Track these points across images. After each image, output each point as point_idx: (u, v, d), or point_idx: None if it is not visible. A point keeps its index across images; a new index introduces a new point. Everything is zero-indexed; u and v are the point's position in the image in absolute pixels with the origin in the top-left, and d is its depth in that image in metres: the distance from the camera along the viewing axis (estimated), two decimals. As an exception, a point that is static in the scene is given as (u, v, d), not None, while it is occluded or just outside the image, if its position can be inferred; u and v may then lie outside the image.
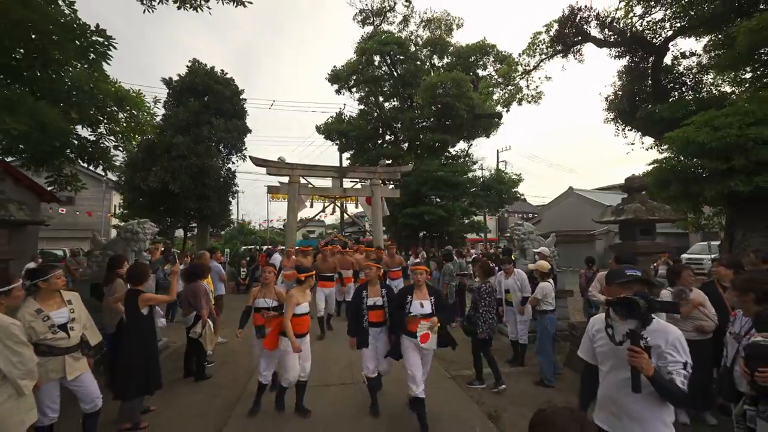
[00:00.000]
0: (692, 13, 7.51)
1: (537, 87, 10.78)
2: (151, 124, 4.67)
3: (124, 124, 4.71)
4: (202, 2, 5.65)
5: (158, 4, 5.72)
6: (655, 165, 7.58)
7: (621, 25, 8.68)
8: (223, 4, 5.76)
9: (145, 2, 5.53)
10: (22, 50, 2.98)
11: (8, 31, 2.82)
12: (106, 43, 3.34)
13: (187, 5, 5.63)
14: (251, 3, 5.72)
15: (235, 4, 5.78)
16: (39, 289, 2.98)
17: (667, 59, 9.03)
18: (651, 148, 9.84)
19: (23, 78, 3.06)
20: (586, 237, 15.30)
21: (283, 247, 13.12)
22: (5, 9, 2.70)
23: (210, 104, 15.56)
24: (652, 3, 7.89)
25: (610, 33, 8.74)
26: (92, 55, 3.34)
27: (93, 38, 3.28)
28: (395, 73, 19.59)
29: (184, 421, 4.05)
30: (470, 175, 19.33)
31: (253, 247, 24.00)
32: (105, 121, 4.72)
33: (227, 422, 3.93)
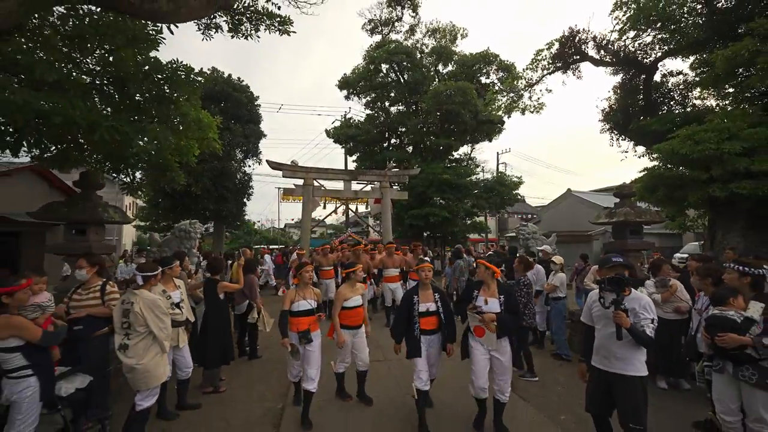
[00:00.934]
0: (678, 37, 8.45)
1: (539, 99, 11.68)
2: (218, 141, 5.51)
3: (184, 141, 5.52)
4: (253, 32, 6.53)
5: (215, 33, 6.62)
6: (646, 172, 8.47)
7: (615, 46, 9.64)
8: (269, 33, 6.62)
9: (204, 33, 6.43)
10: (146, 93, 3.85)
11: (139, 79, 3.69)
12: (201, 80, 4.19)
13: (240, 35, 6.50)
14: (295, 32, 6.57)
15: (280, 33, 6.62)
16: (165, 274, 3.83)
17: (657, 77, 10.03)
18: (643, 155, 10.80)
19: (146, 112, 3.92)
20: (584, 237, 16.24)
21: (300, 247, 13.83)
22: (139, 65, 3.57)
23: (228, 110, 16.37)
24: (643, 27, 8.83)
25: (605, 54, 9.70)
26: (191, 90, 4.20)
27: (193, 77, 4.14)
28: (401, 80, 20.47)
29: (252, 387, 4.89)
30: (473, 177, 20.20)
31: (261, 246, 24.89)
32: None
33: (289, 387, 4.74)
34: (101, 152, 4.13)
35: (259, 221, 43.92)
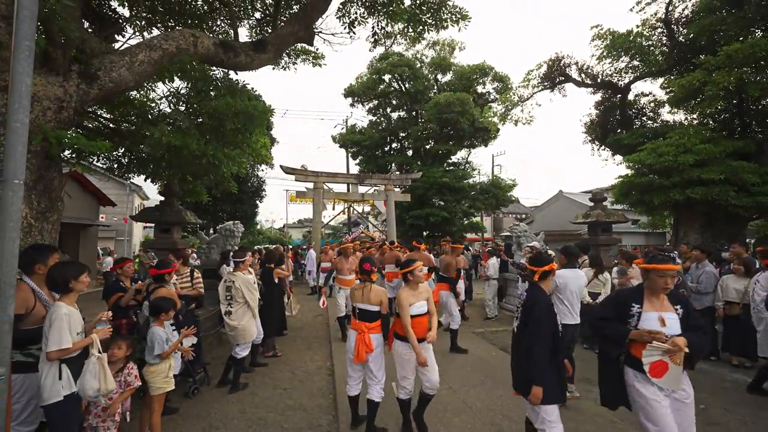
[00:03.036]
0: (646, 64, 9.86)
1: (530, 112, 13.07)
2: (270, 155, 6.79)
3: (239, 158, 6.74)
4: (291, 65, 7.82)
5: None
6: (620, 179, 9.90)
7: (594, 71, 11.06)
8: (304, 65, 7.91)
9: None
10: (234, 127, 5.13)
11: (229, 116, 4.98)
12: (272, 113, 5.48)
13: (281, 68, 7.79)
14: (326, 65, 7.87)
15: (312, 66, 7.92)
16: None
17: (631, 96, 11.49)
18: (620, 164, 12.28)
19: (229, 140, 5.21)
20: (574, 236, 17.74)
21: (314, 243, 15.03)
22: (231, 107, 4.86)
23: (244, 119, 17.61)
24: (616, 55, 10.23)
25: (586, 77, 11.11)
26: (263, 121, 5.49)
27: (271, 109, 5.43)
28: (403, 89, 21.83)
29: (300, 353, 6.18)
30: (470, 180, 21.59)
31: (267, 246, 26.13)
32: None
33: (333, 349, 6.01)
34: (189, 171, 5.40)
35: (267, 221, 45.03)
